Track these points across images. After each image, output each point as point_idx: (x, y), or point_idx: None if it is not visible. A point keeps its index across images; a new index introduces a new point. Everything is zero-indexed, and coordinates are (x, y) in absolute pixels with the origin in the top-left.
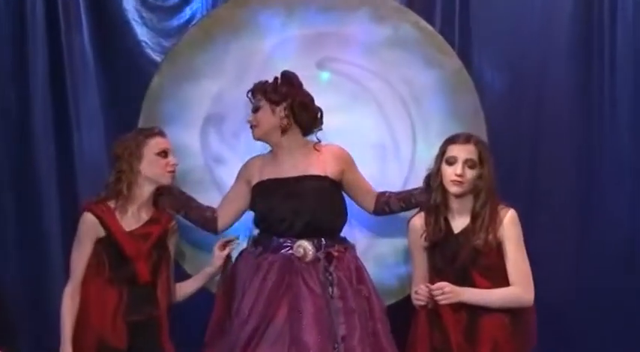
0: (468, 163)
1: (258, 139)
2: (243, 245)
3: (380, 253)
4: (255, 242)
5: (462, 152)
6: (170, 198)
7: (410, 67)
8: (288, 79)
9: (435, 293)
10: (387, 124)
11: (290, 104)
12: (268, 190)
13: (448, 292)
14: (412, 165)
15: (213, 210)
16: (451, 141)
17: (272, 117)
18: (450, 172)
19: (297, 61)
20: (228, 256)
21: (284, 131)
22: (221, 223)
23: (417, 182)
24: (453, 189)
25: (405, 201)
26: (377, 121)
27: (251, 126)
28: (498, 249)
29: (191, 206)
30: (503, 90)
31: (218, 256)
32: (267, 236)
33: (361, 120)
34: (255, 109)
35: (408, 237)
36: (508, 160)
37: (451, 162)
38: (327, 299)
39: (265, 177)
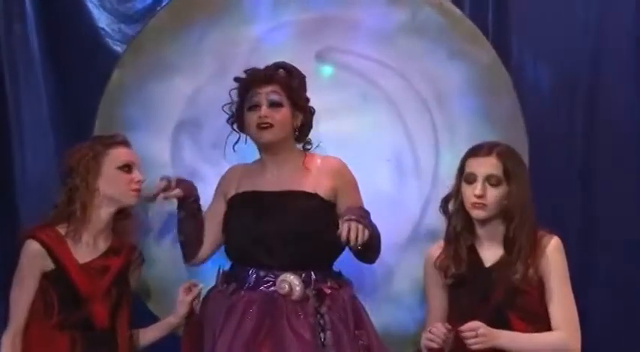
0: (491, 180)
1: (268, 144)
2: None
3: (395, 291)
4: (226, 277)
5: (481, 167)
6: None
7: (432, 59)
8: (305, 80)
9: (466, 334)
10: (404, 131)
11: (306, 113)
12: (242, 205)
13: (482, 334)
14: (435, 181)
15: None
16: (471, 153)
17: (290, 121)
18: (469, 193)
19: (293, 53)
20: (194, 302)
21: (291, 141)
22: (202, 250)
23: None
24: (475, 213)
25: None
26: (391, 127)
27: (262, 124)
28: (540, 286)
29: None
30: (548, 89)
31: (182, 302)
32: (241, 268)
33: (371, 125)
34: (274, 104)
35: (424, 270)
36: (555, 177)
37: (470, 180)
38: (318, 347)
39: (242, 190)
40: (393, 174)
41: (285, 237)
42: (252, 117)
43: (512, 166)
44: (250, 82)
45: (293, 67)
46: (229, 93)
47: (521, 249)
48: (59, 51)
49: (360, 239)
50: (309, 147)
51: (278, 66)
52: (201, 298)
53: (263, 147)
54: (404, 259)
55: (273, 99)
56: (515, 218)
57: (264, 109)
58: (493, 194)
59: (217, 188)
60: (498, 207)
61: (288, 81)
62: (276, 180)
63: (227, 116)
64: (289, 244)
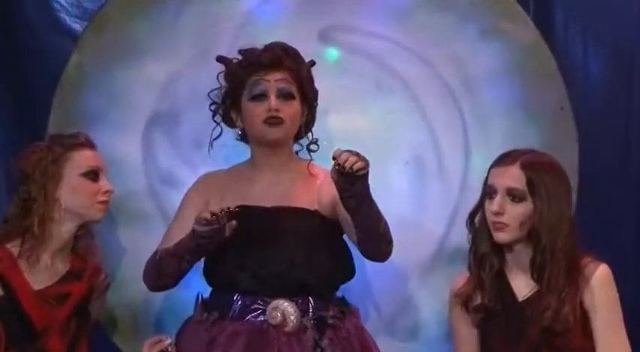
0: (511, 195)
1: (274, 143)
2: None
3: (415, 322)
4: (206, 305)
5: (501, 178)
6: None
7: (460, 40)
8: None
9: None
10: (427, 125)
11: (310, 107)
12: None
13: None
14: (463, 188)
15: None
16: (495, 161)
17: (299, 117)
18: (489, 210)
19: (291, 32)
20: None
21: (291, 142)
22: None
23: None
24: (495, 235)
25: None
26: (410, 121)
27: (272, 119)
28: (584, 321)
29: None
30: (601, 73)
31: None
32: (224, 294)
33: (386, 119)
34: (285, 95)
35: (449, 302)
36: (609, 179)
37: (490, 194)
38: None
39: (226, 202)
40: (413, 178)
41: (276, 265)
42: (257, 110)
43: (540, 178)
44: (253, 65)
45: (295, 50)
46: (217, 78)
47: (551, 278)
48: (4, 31)
49: (355, 167)
50: (314, 149)
51: (276, 47)
52: None
53: (264, 147)
54: (427, 283)
55: (284, 90)
56: (542, 241)
57: (274, 100)
58: (515, 211)
59: (193, 196)
60: (522, 228)
61: (299, 68)
62: (270, 190)
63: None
64: (283, 273)
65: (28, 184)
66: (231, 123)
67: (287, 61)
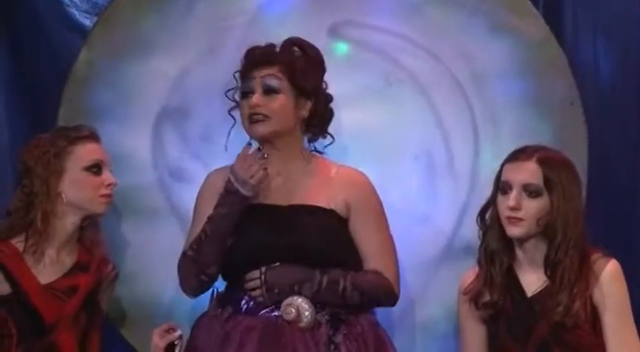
0: (528, 190)
1: (263, 138)
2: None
3: (426, 317)
4: (221, 300)
5: (517, 174)
6: None
7: (470, 35)
8: (320, 59)
9: None
10: (436, 121)
11: (318, 99)
12: (243, 220)
13: None
14: (473, 183)
15: None
16: (509, 157)
17: (294, 110)
18: (504, 205)
19: (301, 27)
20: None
21: (297, 134)
22: None
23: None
24: (509, 229)
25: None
26: (419, 117)
27: (254, 115)
28: (594, 318)
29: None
30: (610, 69)
31: (156, 347)
32: (239, 290)
33: (395, 114)
34: (269, 90)
35: (457, 299)
36: (620, 176)
37: (505, 190)
38: None
39: None
40: (423, 174)
41: (294, 261)
42: (243, 107)
43: (556, 174)
44: (248, 63)
45: (308, 44)
46: (234, 76)
47: (564, 275)
48: (13, 27)
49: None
50: (326, 143)
51: (292, 43)
52: (182, 348)
53: (263, 143)
54: (436, 279)
55: (268, 85)
56: (558, 236)
57: (257, 97)
58: (531, 206)
59: (207, 195)
60: (539, 224)
61: (292, 61)
62: (284, 188)
63: (220, 103)
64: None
65: (31, 178)
66: None
67: (280, 56)
